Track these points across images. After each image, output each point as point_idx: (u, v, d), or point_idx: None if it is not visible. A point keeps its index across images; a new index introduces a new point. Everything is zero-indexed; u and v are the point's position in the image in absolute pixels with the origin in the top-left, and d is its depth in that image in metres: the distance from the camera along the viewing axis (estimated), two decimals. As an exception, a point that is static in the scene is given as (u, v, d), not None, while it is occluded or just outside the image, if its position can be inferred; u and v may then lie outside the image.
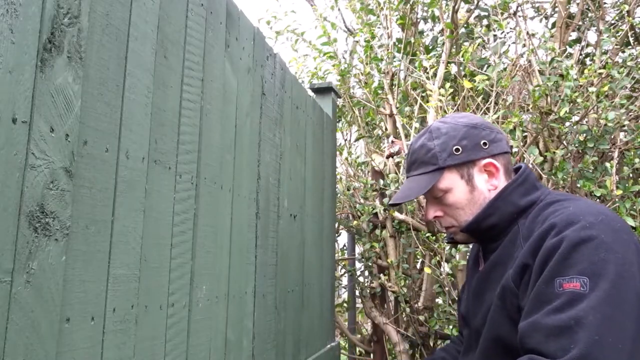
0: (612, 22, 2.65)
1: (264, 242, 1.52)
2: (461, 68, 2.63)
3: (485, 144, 1.13)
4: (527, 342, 0.93)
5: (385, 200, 2.66)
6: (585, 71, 2.09)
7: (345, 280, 3.40)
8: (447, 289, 2.21)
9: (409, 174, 1.22)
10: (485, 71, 2.34)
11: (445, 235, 2.36)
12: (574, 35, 2.82)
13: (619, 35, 2.41)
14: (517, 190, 1.12)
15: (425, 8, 2.97)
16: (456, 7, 2.57)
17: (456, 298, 2.17)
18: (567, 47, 2.68)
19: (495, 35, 2.77)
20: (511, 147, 1.13)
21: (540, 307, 0.93)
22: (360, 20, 2.95)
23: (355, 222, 2.80)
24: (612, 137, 2.17)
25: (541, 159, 2.15)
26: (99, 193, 0.85)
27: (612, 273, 0.90)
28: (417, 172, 1.18)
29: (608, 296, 0.88)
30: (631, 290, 0.90)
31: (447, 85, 2.33)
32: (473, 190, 1.15)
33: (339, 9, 3.36)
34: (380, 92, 2.93)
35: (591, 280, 0.89)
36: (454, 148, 1.13)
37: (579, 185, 2.13)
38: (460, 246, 2.17)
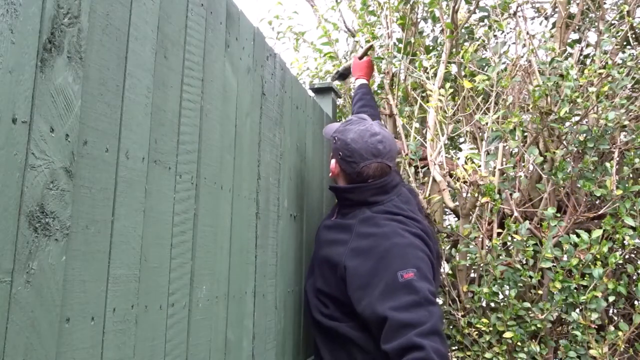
0: (612, 22, 2.65)
1: (264, 242, 1.52)
2: (461, 68, 2.63)
3: (340, 154, 1.67)
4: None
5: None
6: (585, 71, 2.09)
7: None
8: (447, 288, 2.22)
9: None
10: (485, 71, 2.34)
11: (445, 235, 2.37)
12: (574, 36, 2.82)
13: (619, 36, 2.41)
14: (371, 190, 1.63)
15: (426, 8, 2.97)
16: (456, 7, 2.57)
17: (456, 298, 2.17)
18: (567, 47, 2.68)
19: (495, 36, 2.77)
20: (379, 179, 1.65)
21: (394, 293, 1.40)
22: (361, 21, 2.95)
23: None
24: (612, 137, 2.17)
25: (541, 159, 2.15)
26: (99, 193, 0.85)
27: (426, 263, 1.50)
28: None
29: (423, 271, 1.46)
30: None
31: (447, 85, 2.33)
32: (329, 164, 1.76)
33: (339, 10, 3.36)
34: (380, 92, 2.93)
35: (418, 270, 1.43)
36: (334, 137, 1.71)
37: (579, 186, 2.13)
38: (460, 246, 2.18)
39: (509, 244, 2.22)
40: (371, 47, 2.35)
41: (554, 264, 2.03)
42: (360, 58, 2.33)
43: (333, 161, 1.72)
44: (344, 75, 2.47)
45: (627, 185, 2.02)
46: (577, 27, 2.71)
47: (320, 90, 2.38)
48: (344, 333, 1.56)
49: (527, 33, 2.32)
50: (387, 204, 1.62)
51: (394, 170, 1.72)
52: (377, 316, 1.40)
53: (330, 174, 1.76)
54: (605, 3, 2.62)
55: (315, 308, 1.65)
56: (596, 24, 2.61)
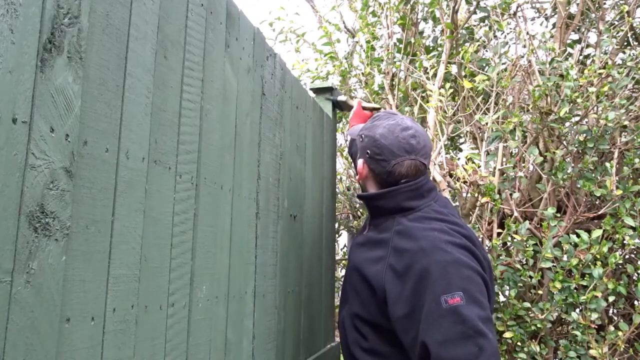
0: (612, 22, 2.65)
1: (264, 242, 1.52)
2: (461, 68, 2.64)
3: (367, 153, 1.46)
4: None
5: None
6: (585, 71, 2.09)
7: (345, 281, 3.39)
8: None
9: None
10: (485, 71, 2.34)
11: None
12: (574, 36, 2.82)
13: (618, 36, 2.41)
14: (405, 193, 1.41)
15: (426, 9, 2.97)
16: (456, 7, 2.57)
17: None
18: (567, 47, 2.68)
19: (495, 36, 2.77)
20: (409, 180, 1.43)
21: (437, 322, 1.19)
22: (362, 21, 2.96)
23: (355, 222, 2.80)
24: (612, 137, 2.17)
25: (541, 159, 2.16)
26: (99, 193, 0.85)
27: (475, 282, 1.25)
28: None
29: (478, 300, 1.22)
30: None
31: (447, 85, 2.33)
32: (356, 165, 1.56)
33: (339, 12, 3.37)
34: (380, 92, 2.93)
35: (465, 293, 1.20)
36: (361, 135, 1.51)
37: (579, 186, 2.13)
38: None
39: (509, 244, 2.22)
40: (377, 109, 2.13)
41: (554, 264, 2.03)
42: (365, 109, 2.11)
43: (360, 161, 1.50)
44: (339, 106, 2.34)
45: (627, 185, 2.02)
46: (577, 28, 2.71)
47: (321, 91, 2.38)
48: None
49: (527, 33, 2.32)
50: (424, 209, 1.41)
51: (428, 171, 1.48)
52: (421, 349, 1.22)
53: (357, 177, 1.54)
54: (605, 3, 2.62)
55: (353, 341, 1.44)
56: (596, 24, 2.61)
